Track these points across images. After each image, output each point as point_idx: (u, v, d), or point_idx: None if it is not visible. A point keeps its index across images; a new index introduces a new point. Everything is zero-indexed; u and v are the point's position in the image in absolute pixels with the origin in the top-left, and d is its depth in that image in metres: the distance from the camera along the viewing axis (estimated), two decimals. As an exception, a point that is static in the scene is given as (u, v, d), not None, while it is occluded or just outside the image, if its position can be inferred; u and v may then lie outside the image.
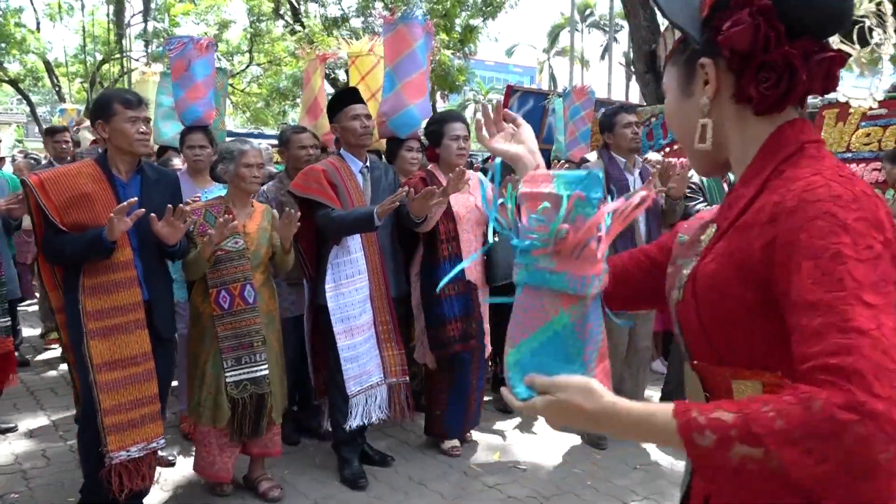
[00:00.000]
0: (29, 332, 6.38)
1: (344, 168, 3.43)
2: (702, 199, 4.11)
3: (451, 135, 3.64)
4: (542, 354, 0.91)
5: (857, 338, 0.69)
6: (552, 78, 41.52)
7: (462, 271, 3.58)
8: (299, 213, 3.14)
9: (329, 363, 3.43)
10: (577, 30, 33.73)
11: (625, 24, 14.70)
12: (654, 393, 4.65)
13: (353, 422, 3.33)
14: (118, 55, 19.29)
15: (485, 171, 5.17)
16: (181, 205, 2.81)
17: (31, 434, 4.00)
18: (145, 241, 2.80)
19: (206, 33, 18.77)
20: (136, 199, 2.62)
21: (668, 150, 6.45)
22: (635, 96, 22.60)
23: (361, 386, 3.34)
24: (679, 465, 3.69)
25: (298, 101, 19.46)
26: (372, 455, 3.61)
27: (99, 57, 20.08)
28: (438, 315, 3.58)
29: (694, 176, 4.02)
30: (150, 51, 18.90)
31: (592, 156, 4.03)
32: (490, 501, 3.26)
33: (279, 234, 3.18)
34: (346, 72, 7.15)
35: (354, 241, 3.37)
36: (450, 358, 3.65)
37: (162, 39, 19.83)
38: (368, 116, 3.47)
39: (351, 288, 3.34)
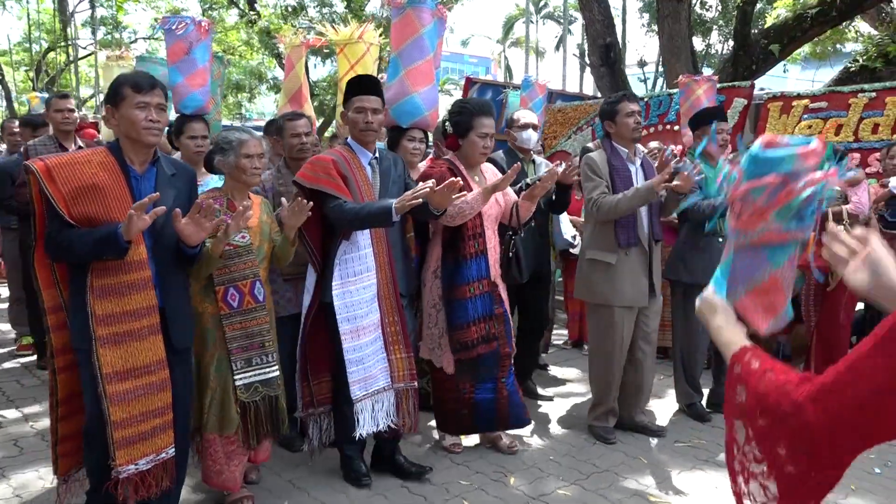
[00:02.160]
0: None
1: (353, 159, 3.22)
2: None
3: (479, 131, 3.44)
4: (721, 277, 1.38)
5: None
6: (507, 69, 41.82)
7: (488, 270, 3.46)
8: (311, 203, 2.93)
9: (331, 365, 3.27)
10: (531, 21, 34.03)
11: (579, 15, 14.95)
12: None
13: (362, 430, 3.16)
14: (64, 43, 18.78)
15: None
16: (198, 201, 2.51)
17: (0, 425, 4.00)
18: (160, 239, 2.50)
19: (156, 20, 18.39)
20: (157, 194, 2.31)
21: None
22: (589, 88, 22.97)
23: (367, 391, 3.16)
24: (634, 442, 3.91)
25: (255, 91, 19.28)
26: (407, 468, 3.38)
27: (45, 45, 19.53)
28: (462, 316, 3.41)
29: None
30: (97, 38, 18.44)
31: (595, 144, 4.01)
32: (458, 476, 3.41)
33: (287, 223, 2.94)
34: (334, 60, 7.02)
35: (364, 236, 3.17)
36: (472, 360, 3.47)
37: (109, 27, 19.36)
38: (376, 111, 3.20)
39: (359, 286, 3.15)
